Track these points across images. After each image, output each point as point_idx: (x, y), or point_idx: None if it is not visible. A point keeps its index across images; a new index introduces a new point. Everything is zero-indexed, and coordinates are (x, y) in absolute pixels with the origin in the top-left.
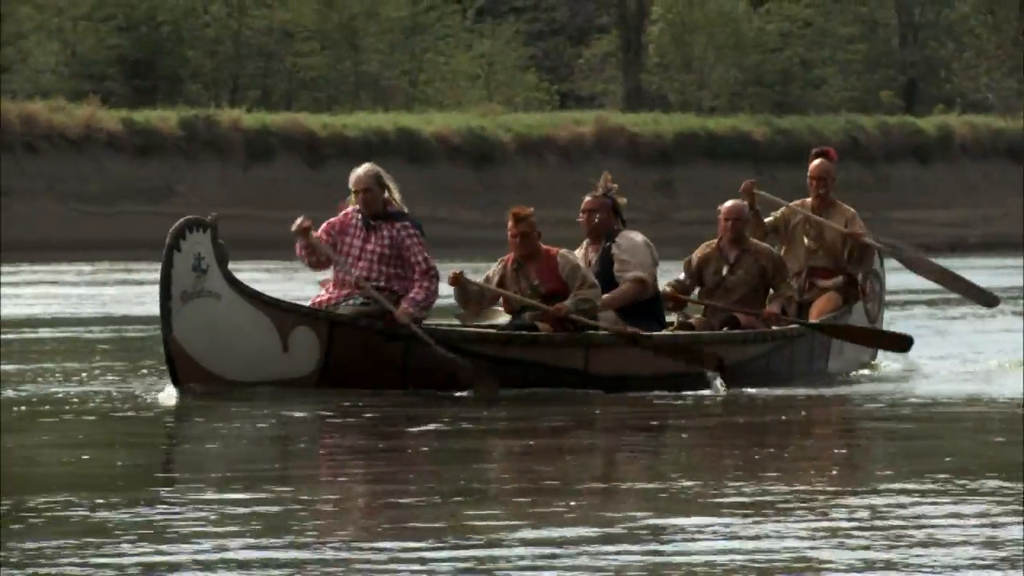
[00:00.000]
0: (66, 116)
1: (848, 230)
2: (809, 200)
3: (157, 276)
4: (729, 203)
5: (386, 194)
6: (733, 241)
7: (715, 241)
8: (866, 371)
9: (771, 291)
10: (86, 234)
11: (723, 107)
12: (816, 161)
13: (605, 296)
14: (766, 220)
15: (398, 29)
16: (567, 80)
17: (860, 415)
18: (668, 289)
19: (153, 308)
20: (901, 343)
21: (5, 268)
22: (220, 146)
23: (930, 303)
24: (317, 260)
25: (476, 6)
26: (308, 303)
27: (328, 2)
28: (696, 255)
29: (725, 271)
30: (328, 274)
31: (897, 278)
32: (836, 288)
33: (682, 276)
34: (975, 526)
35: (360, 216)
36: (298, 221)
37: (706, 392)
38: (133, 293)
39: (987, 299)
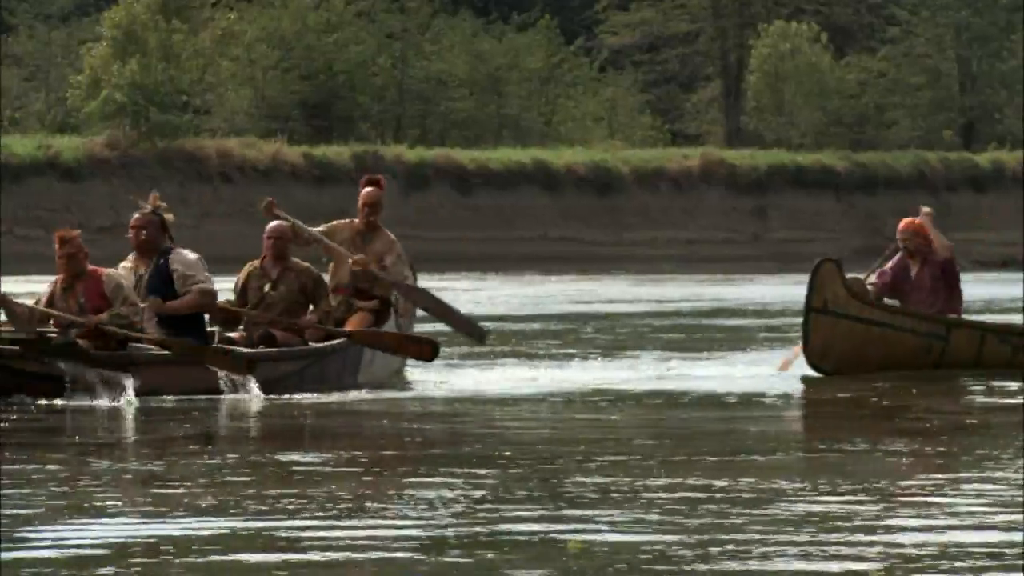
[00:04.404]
0: (256, 151)
1: (358, 258)
2: (357, 222)
3: None
4: (273, 223)
5: None
6: (276, 258)
7: (258, 260)
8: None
9: (311, 306)
10: None
11: (809, 144)
12: (368, 188)
13: (173, 302)
14: (317, 229)
15: (535, 78)
16: (677, 121)
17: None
18: (224, 303)
19: None
20: (429, 351)
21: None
22: (385, 176)
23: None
24: None
25: (601, 59)
26: None
27: (477, 55)
28: (241, 274)
29: (267, 287)
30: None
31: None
32: (370, 310)
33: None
34: None
35: None
36: None
37: (243, 396)
38: None
39: (478, 335)
